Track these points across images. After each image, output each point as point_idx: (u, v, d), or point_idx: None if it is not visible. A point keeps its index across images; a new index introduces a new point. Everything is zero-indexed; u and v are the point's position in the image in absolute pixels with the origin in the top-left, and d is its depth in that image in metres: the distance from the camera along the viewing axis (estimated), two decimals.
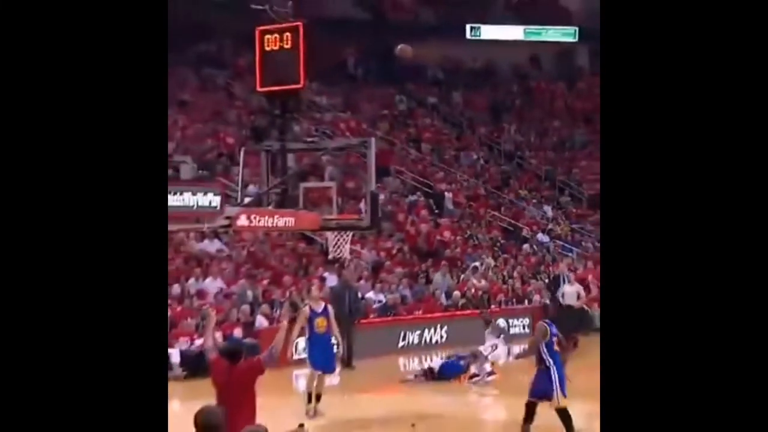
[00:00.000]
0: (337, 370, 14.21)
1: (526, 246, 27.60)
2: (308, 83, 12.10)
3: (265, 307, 18.70)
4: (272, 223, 11.45)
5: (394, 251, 24.13)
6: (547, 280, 23.59)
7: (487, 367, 16.58)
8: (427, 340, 21.09)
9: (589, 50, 37.56)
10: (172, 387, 13.21)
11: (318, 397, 13.28)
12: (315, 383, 13.28)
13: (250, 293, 19.25)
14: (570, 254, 27.56)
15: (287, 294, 19.40)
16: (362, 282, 21.31)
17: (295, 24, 11.58)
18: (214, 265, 20.16)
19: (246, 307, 18.41)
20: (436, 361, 17.49)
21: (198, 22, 31.42)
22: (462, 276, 23.77)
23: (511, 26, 38.53)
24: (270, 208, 11.72)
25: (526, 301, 23.58)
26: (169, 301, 17.94)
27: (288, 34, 11.47)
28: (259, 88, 12.11)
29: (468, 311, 22.27)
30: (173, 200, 10.09)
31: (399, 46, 12.66)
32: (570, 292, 20.85)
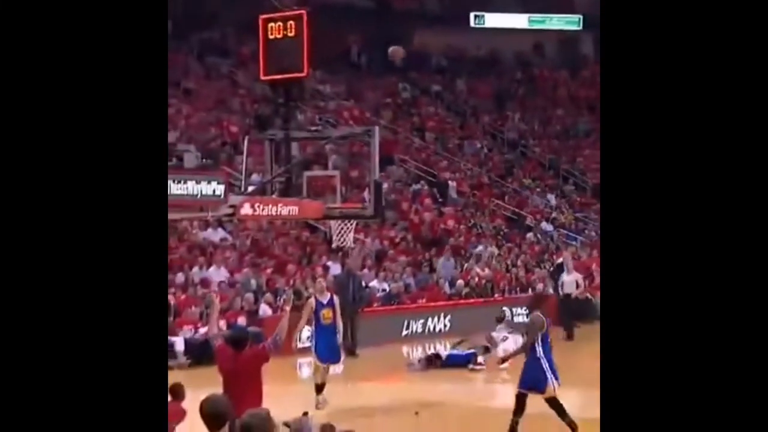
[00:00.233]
0: (342, 358, 14.23)
1: (529, 235, 27.61)
2: (312, 71, 12.12)
3: (268, 296, 18.74)
4: (276, 211, 11.46)
5: (398, 240, 24.15)
6: (551, 269, 23.61)
7: (500, 351, 16.60)
8: (431, 328, 21.13)
9: (593, 38, 37.46)
10: (177, 375, 13.31)
11: (322, 386, 13.32)
12: (320, 374, 13.33)
13: (253, 282, 19.30)
14: (574, 243, 27.57)
15: (291, 282, 19.44)
16: (366, 270, 21.34)
17: (298, 12, 11.57)
18: (217, 253, 20.19)
19: (250, 296, 18.45)
20: (441, 349, 17.53)
21: (201, 11, 31.43)
22: (465, 265, 23.79)
23: (515, 14, 38.45)
24: (274, 196, 11.73)
25: (530, 290, 23.60)
26: (173, 290, 17.99)
27: (291, 22, 11.47)
28: (262, 77, 12.11)
29: (472, 300, 22.32)
30: (177, 189, 10.11)
31: (390, 48, 12.75)
32: (569, 281, 20.88)
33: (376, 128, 12.22)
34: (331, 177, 13.22)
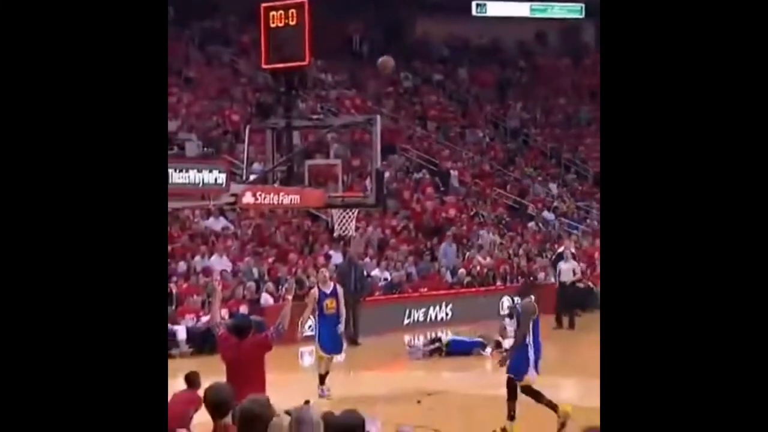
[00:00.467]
0: (344, 346, 14.26)
1: (531, 223, 27.63)
2: (313, 60, 12.09)
3: (270, 285, 18.77)
4: (277, 200, 11.46)
5: (400, 229, 24.17)
6: (553, 257, 23.64)
7: (507, 343, 16.58)
8: (433, 317, 21.17)
9: (595, 27, 37.34)
10: (179, 364, 13.35)
11: (325, 376, 13.34)
12: (324, 364, 13.35)
13: (255, 271, 19.32)
14: (575, 231, 27.59)
15: (293, 271, 19.46)
16: (368, 259, 21.36)
17: (300, 1, 11.54)
18: (219, 242, 20.21)
19: (251, 285, 18.48)
20: (444, 337, 17.52)
21: None
22: (467, 253, 23.81)
23: (517, 3, 38.35)
24: (275, 185, 11.73)
25: (532, 279, 23.61)
26: (175, 279, 18.02)
27: (293, 10, 11.44)
28: (264, 65, 12.10)
29: (473, 289, 22.35)
30: (178, 177, 10.11)
31: (380, 60, 12.73)
32: (566, 269, 20.90)
33: (378, 117, 12.20)
34: (333, 166, 13.22)
